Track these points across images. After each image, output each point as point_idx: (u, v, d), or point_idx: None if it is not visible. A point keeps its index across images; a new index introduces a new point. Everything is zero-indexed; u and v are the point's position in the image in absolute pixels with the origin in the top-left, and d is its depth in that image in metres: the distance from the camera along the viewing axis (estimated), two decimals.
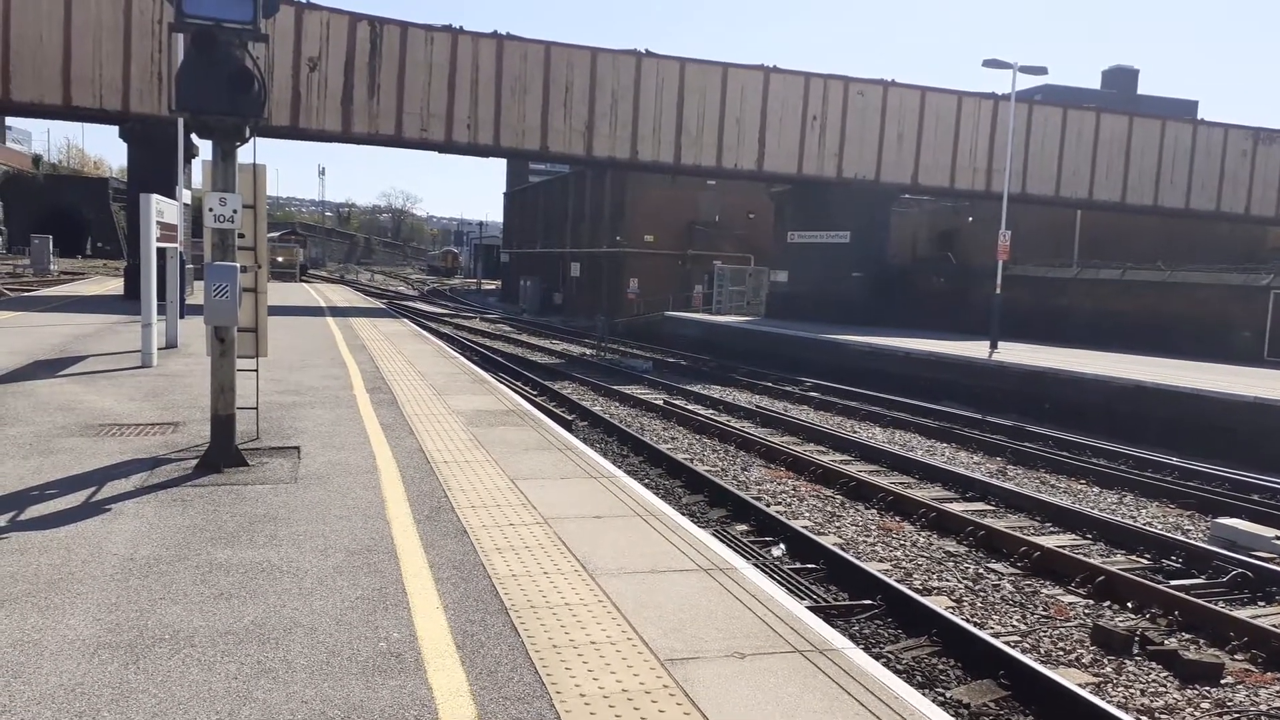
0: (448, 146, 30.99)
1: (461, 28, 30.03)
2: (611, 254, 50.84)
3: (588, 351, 31.43)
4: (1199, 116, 47.16)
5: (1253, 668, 7.13)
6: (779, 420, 17.79)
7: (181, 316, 17.27)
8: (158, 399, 10.93)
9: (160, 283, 15.39)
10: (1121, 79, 72.23)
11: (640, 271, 49.16)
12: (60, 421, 9.33)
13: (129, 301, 24.38)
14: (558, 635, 4.57)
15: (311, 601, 4.87)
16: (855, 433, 17.15)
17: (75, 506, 6.42)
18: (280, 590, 5.01)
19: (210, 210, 7.45)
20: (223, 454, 7.62)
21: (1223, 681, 6.88)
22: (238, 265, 7.56)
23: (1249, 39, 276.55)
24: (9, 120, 69.45)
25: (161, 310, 15.67)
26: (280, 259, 61.49)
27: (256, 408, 9.19)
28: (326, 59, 28.41)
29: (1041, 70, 26.92)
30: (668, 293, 46.92)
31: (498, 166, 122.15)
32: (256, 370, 9.04)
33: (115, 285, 33.45)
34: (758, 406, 19.68)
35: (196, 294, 20.98)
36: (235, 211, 7.51)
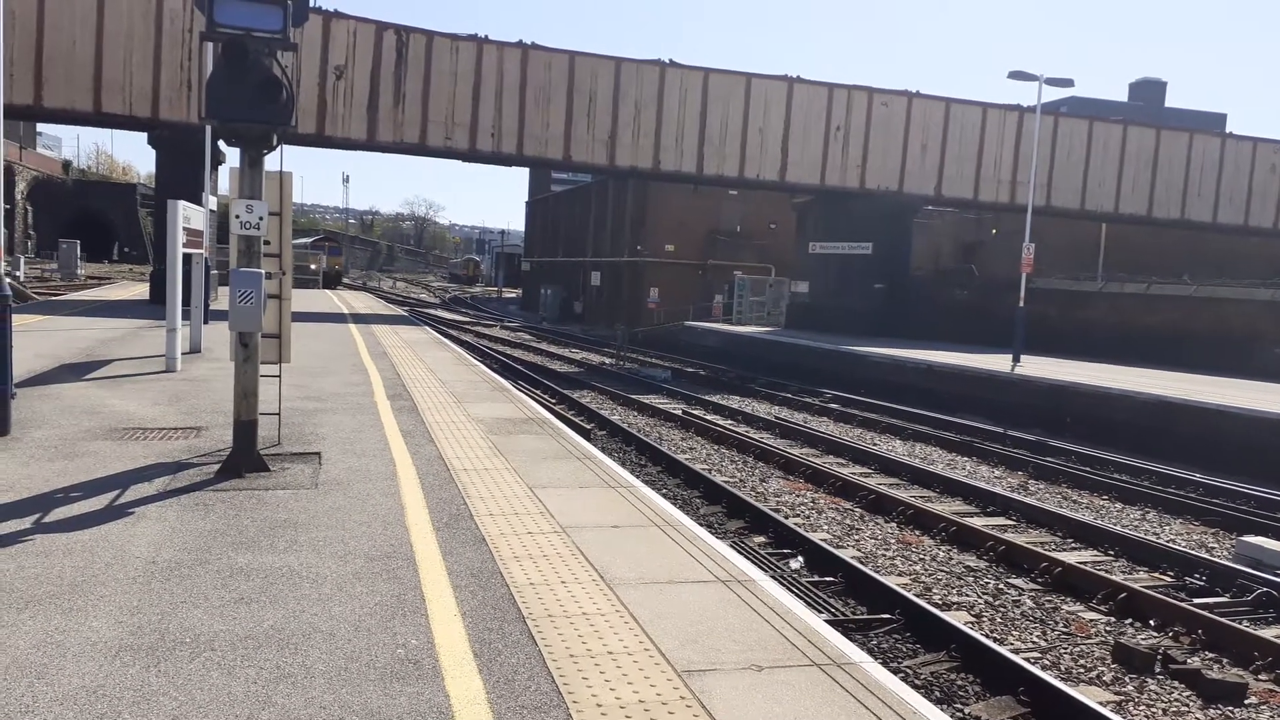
0: (471, 155, 31.16)
1: (487, 37, 30.23)
2: (632, 263, 50.91)
3: (607, 360, 31.47)
4: (1227, 130, 46.68)
5: (1277, 688, 7.03)
6: (798, 432, 17.73)
7: (206, 322, 17.44)
8: (181, 403, 11.04)
9: (185, 288, 15.56)
10: (1149, 91, 71.62)
11: (660, 281, 49.19)
12: (85, 425, 9.44)
13: (154, 306, 24.67)
14: (575, 645, 4.58)
15: (330, 607, 4.90)
16: (875, 445, 17.07)
17: (99, 510, 6.49)
18: (300, 595, 5.05)
19: (237, 217, 7.53)
20: (245, 459, 7.68)
21: (1246, 702, 6.79)
22: (263, 271, 7.63)
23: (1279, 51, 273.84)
24: (40, 126, 70.45)
25: (186, 315, 15.83)
26: (312, 266, 60.57)
27: (279, 413, 9.26)
28: (353, 67, 28.67)
29: (1067, 82, 26.76)
30: (688, 302, 46.94)
31: (520, 175, 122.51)
32: (279, 376, 9.11)
33: (141, 290, 33.83)
34: (777, 418, 19.63)
35: (221, 299, 21.20)
36: (261, 218, 7.59)
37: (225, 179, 28.21)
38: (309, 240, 70.34)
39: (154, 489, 7.10)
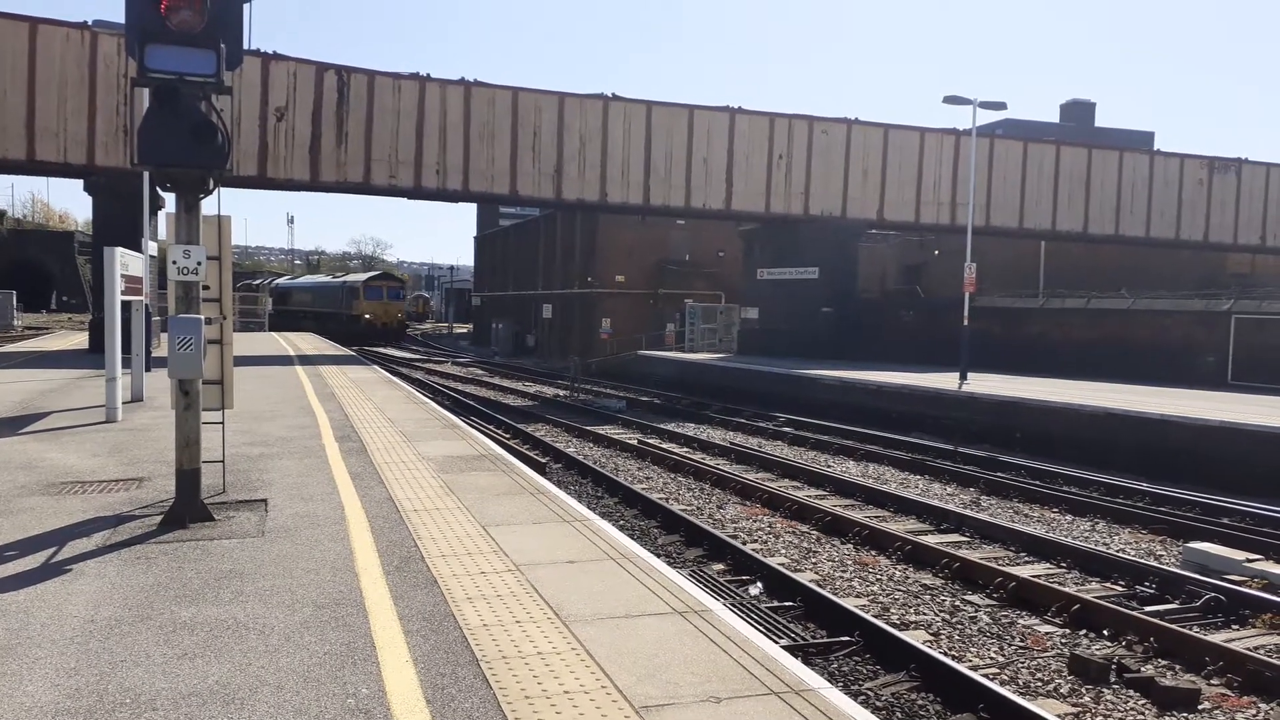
0: (417, 192, 31.06)
1: (429, 75, 30.25)
2: (583, 295, 50.96)
3: (561, 393, 31.35)
4: (1156, 147, 48.21)
5: (1229, 692, 7.15)
6: (753, 456, 17.78)
7: (148, 369, 17.08)
8: (122, 454, 10.76)
9: (126, 336, 15.22)
10: (1079, 112, 73.68)
11: (612, 311, 49.31)
12: (21, 480, 9.15)
13: (94, 355, 24.08)
14: (530, 685, 4.50)
15: (278, 659, 4.77)
16: (829, 467, 17.17)
17: (35, 568, 6.27)
18: (246, 648, 4.91)
19: (174, 262, 7.39)
20: (188, 509, 7.49)
21: (1200, 707, 6.88)
22: (202, 317, 7.49)
23: (1201, 71, 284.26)
24: None
25: (127, 364, 15.48)
26: (387, 316, 47.95)
27: (223, 460, 9.06)
28: (294, 108, 28.48)
29: (1001, 105, 27.45)
30: (640, 332, 47.06)
31: (468, 210, 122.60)
32: (223, 422, 8.93)
33: (80, 339, 33.05)
34: (732, 443, 19.67)
35: (163, 346, 20.76)
36: (199, 263, 7.46)
37: (165, 224, 27.76)
38: (362, 279, 55.21)
39: (93, 544, 6.89)
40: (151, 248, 17.84)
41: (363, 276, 54.92)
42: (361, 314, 48.48)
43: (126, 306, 15.21)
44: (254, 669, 4.64)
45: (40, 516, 7.71)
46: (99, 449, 11.09)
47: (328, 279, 63.62)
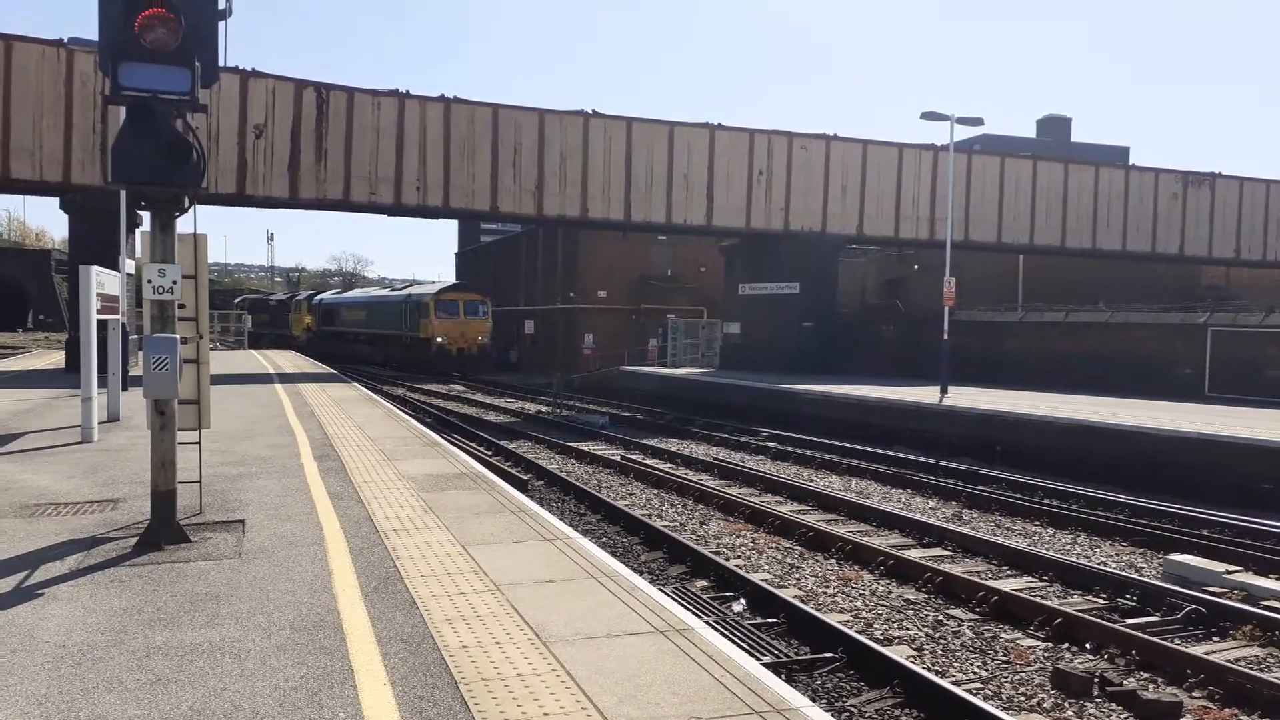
0: (397, 209, 30.99)
1: (408, 92, 30.24)
2: (565, 310, 50.94)
3: (543, 409, 31.26)
4: (1131, 162, 48.72)
5: (1210, 705, 7.16)
6: (736, 471, 17.76)
7: (125, 389, 16.89)
8: (97, 475, 10.63)
9: (102, 355, 15.07)
10: (1055, 127, 74.51)
11: (595, 327, 49.30)
12: None
13: (70, 375, 23.82)
14: (510, 708, 4.45)
15: (253, 683, 4.70)
16: (812, 482, 17.17)
17: (6, 592, 6.17)
18: (221, 672, 4.83)
19: (149, 281, 7.33)
20: (164, 531, 7.40)
21: None
22: (178, 337, 7.43)
23: (1175, 86, 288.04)
24: None
25: (103, 383, 15.32)
26: (467, 340, 37.64)
27: (200, 481, 8.97)
28: (273, 125, 28.38)
29: (978, 121, 27.69)
30: (623, 347, 47.06)
31: (449, 226, 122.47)
32: (199, 442, 8.84)
33: (56, 359, 32.72)
34: (715, 458, 19.65)
35: (140, 365, 20.58)
36: (175, 282, 7.40)
37: (141, 242, 27.52)
38: (432, 292, 44.95)
39: (66, 567, 6.78)
40: (129, 266, 17.72)
41: (433, 289, 44.78)
42: (432, 337, 40.10)
43: (103, 325, 15.07)
44: (229, 694, 4.56)
45: (12, 539, 7.59)
46: (74, 470, 10.95)
47: (386, 292, 52.80)
